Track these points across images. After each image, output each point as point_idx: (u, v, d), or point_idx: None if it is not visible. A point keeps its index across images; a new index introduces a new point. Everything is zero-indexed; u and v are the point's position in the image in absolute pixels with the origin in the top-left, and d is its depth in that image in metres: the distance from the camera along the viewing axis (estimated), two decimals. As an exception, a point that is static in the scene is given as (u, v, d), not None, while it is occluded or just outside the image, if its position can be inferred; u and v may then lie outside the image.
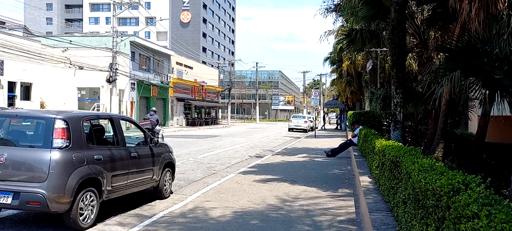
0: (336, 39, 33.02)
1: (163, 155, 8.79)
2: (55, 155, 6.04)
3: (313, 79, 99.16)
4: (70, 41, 34.50)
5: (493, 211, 2.42)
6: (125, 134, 7.98)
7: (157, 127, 20.83)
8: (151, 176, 8.25)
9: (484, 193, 2.82)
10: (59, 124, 6.22)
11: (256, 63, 75.56)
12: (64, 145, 6.15)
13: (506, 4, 7.64)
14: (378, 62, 30.08)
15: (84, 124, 6.81)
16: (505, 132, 12.09)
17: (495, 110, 8.96)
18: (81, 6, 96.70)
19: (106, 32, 52.46)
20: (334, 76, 55.65)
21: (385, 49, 23.46)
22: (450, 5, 8.86)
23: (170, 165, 9.12)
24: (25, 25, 46.09)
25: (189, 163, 14.79)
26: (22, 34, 34.76)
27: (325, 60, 49.80)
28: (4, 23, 38.67)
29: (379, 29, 14.91)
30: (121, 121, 8.01)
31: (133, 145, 8.21)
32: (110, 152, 7.13)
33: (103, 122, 8.77)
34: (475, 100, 10.18)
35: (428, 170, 3.87)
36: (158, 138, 20.90)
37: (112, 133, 7.65)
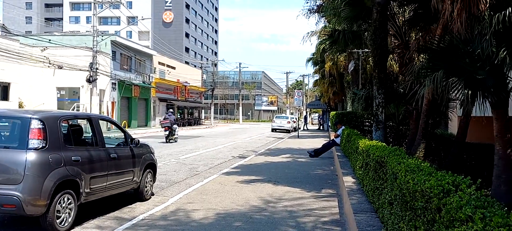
0: (319, 40, 33.15)
1: (144, 155, 8.61)
2: (31, 156, 5.83)
3: (296, 80, 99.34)
4: (50, 40, 33.80)
5: (487, 214, 2.34)
6: (104, 135, 7.79)
7: (174, 126, 23.92)
8: (132, 177, 8.07)
9: (475, 195, 2.75)
10: (35, 124, 6.02)
11: (239, 63, 75.81)
12: (40, 146, 5.95)
13: (487, 5, 7.69)
14: (360, 63, 30.30)
15: (62, 124, 6.61)
16: (485, 132, 12.22)
17: (477, 111, 9.02)
18: (61, 5, 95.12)
19: (86, 31, 51.59)
20: (317, 77, 55.99)
21: (367, 50, 23.61)
22: (432, 5, 8.91)
23: (151, 166, 8.93)
24: (3, 24, 45.14)
25: (171, 164, 14.59)
26: (0, 33, 33.97)
27: (308, 61, 50.05)
28: (-19, 21, 37.76)
29: (361, 30, 14.99)
30: (100, 121, 7.81)
31: (113, 146, 8.01)
32: (89, 153, 6.94)
33: (82, 122, 8.53)
34: (456, 101, 10.26)
35: (415, 170, 3.79)
36: (175, 134, 23.60)
37: (90, 134, 7.45)
